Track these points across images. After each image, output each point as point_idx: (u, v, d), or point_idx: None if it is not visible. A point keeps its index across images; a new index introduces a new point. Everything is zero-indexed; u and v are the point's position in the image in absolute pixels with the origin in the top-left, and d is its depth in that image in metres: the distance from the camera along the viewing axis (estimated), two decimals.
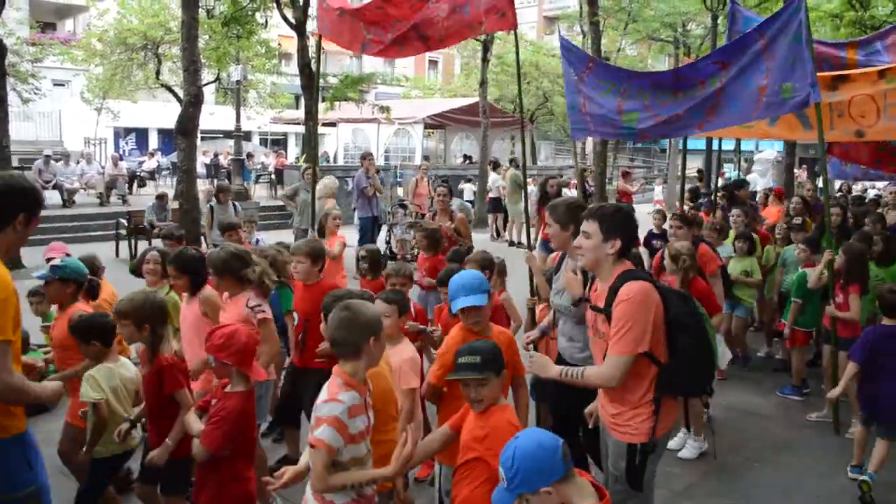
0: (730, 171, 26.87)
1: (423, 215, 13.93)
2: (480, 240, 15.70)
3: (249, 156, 25.26)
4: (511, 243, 17.05)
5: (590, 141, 25.10)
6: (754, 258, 8.19)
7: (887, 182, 12.35)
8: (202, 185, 17.40)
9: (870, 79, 7.13)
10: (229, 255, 4.61)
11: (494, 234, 18.50)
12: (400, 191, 20.36)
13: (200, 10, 16.50)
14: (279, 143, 37.00)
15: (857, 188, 17.19)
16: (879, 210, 10.40)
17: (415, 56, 7.74)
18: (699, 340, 3.40)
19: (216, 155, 28.00)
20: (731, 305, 7.94)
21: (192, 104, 12.10)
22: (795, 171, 22.18)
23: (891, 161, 10.52)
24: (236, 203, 11.96)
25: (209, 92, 27.35)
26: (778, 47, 6.22)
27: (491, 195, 18.87)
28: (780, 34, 6.22)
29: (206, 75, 23.93)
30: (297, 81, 17.66)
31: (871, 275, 7.26)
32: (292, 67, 19.60)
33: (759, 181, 23.05)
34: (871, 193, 15.55)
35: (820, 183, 19.74)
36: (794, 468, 5.78)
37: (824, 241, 7.71)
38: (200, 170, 25.57)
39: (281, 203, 16.48)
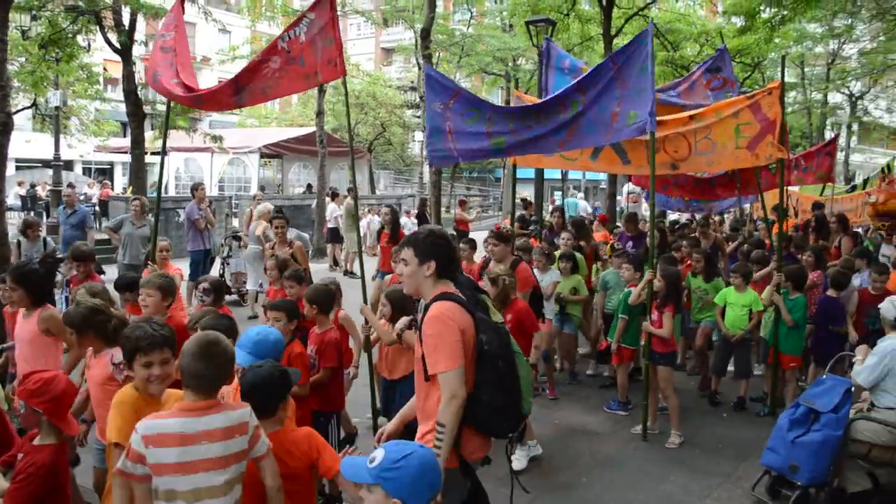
0: (559, 199, 28.14)
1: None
2: (319, 269, 15.52)
3: (71, 186, 23.72)
4: (346, 272, 16.97)
5: (426, 170, 25.54)
6: (580, 276, 8.63)
7: (704, 211, 13.66)
8: (16, 219, 16.11)
9: (682, 121, 7.89)
10: (88, 310, 4.32)
11: (332, 264, 18.36)
12: (235, 222, 19.80)
13: (14, 30, 15.41)
14: (105, 173, 35.04)
15: (673, 216, 18.50)
16: (693, 234, 11.31)
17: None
18: (507, 377, 3.36)
19: (33, 186, 26.09)
20: (561, 321, 8.31)
21: (0, 131, 11.19)
22: (619, 198, 23.60)
23: (708, 190, 11.71)
24: (48, 238, 11.12)
25: (25, 118, 25.46)
26: (628, 76, 6.70)
27: (329, 225, 18.74)
28: (629, 64, 6.70)
29: (22, 100, 22.33)
30: (124, 108, 16.81)
31: (696, 287, 8.29)
32: (119, 93, 18.64)
33: (584, 205, 24.48)
34: (683, 219, 16.78)
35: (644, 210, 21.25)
36: (620, 481, 6.07)
37: (647, 262, 8.31)
38: (14, 202, 23.79)
39: (105, 236, 15.52)
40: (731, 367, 8.19)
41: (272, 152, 28.14)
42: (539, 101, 7.33)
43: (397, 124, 36.55)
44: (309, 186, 28.95)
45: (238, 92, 6.82)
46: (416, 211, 19.17)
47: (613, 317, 7.91)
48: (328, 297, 5.54)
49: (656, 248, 8.56)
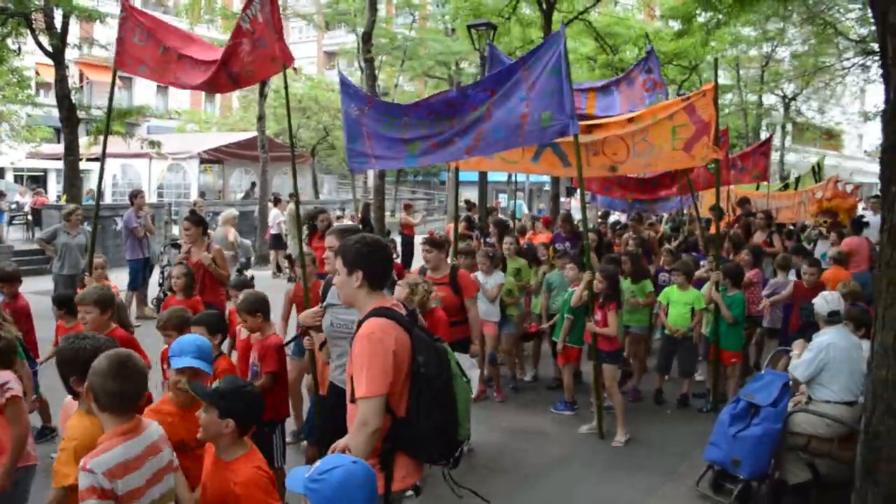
0: (504, 201, 28.40)
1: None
2: (263, 276, 15.32)
3: (1, 194, 22.96)
4: (290, 279, 16.79)
5: (370, 173, 25.48)
6: (511, 278, 8.64)
7: (647, 212, 14.00)
8: None
9: (620, 124, 8.02)
10: None
11: (276, 271, 18.15)
12: (175, 229, 19.42)
13: None
14: (38, 181, 33.98)
15: (614, 217, 18.77)
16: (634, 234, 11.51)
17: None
18: (442, 401, 3.22)
19: None
20: (500, 323, 8.36)
21: None
22: (563, 199, 23.92)
23: (653, 190, 11.97)
24: None
25: None
26: (538, 78, 6.66)
27: (272, 231, 18.52)
28: (539, 65, 6.67)
29: None
30: (56, 113, 16.35)
31: (625, 290, 8.15)
32: (52, 97, 18.09)
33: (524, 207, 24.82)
34: (622, 220, 17.11)
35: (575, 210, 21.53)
36: (568, 481, 6.13)
37: (585, 262, 8.43)
38: None
39: (38, 247, 15.08)
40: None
41: (213, 158, 27.68)
42: (451, 93, 7.20)
43: (340, 128, 36.30)
44: (253, 185, 28.49)
45: (231, 77, 6.71)
46: (359, 216, 19.07)
47: (559, 317, 8.00)
48: (265, 304, 5.45)
49: (593, 250, 8.72)
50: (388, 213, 27.99)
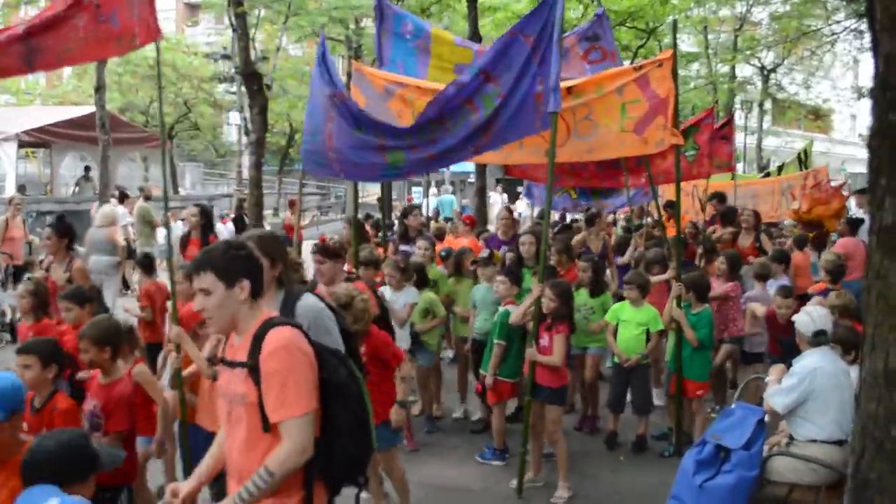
0: (419, 196, 28.46)
1: (17, 267, 12.89)
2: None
3: None
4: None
5: (245, 159, 25.17)
6: (431, 294, 8.72)
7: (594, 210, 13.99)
8: None
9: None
10: None
11: (122, 288, 17.68)
12: None
13: None
14: None
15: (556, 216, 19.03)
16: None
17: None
18: (358, 412, 3.54)
19: None
20: (412, 352, 8.35)
21: None
22: (491, 193, 24.14)
23: (615, 175, 11.94)
24: None
25: None
26: (545, 49, 6.80)
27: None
28: (545, 34, 6.81)
29: None
30: None
31: (579, 304, 8.34)
32: None
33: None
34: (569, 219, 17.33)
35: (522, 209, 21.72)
36: None
37: (526, 273, 8.48)
38: None
39: None
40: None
41: (36, 140, 26.84)
42: (437, 96, 7.20)
43: (206, 103, 35.86)
44: (87, 171, 27.59)
45: (28, 53, 6.46)
46: (233, 214, 18.84)
47: (486, 343, 8.04)
48: (120, 337, 5.33)
49: (533, 258, 8.80)
50: (268, 212, 27.72)
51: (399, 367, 6.17)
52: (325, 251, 6.86)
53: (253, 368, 3.32)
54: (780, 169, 19.30)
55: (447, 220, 17.39)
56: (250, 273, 3.48)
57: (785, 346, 7.65)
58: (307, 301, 4.31)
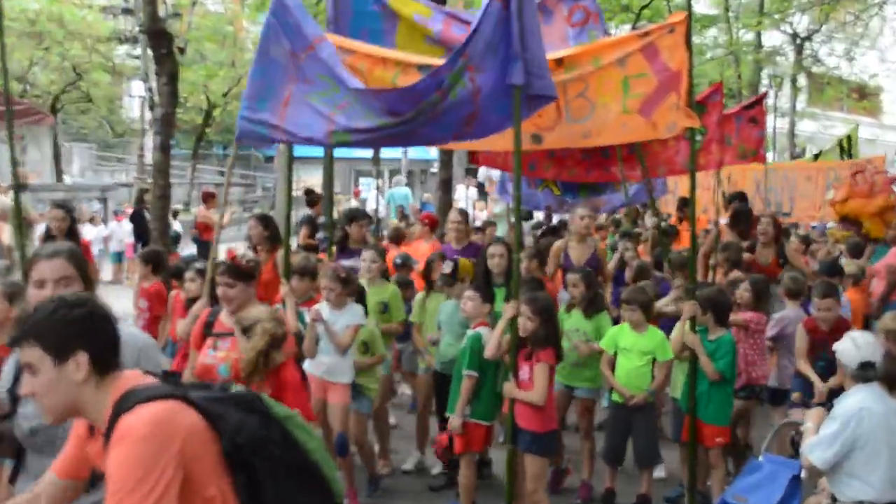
0: (367, 189, 28.38)
1: None
2: None
3: None
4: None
5: (148, 141, 24.95)
6: (374, 328, 8.53)
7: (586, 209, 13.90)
8: None
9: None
10: None
11: None
12: None
13: None
14: None
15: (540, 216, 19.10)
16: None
17: None
18: (307, 475, 3.36)
19: None
20: (355, 388, 8.22)
21: None
22: (458, 186, 24.11)
23: (604, 165, 11.86)
24: None
25: None
26: (528, 22, 6.74)
27: None
28: (527, 4, 6.74)
29: None
30: None
31: (569, 328, 8.37)
32: None
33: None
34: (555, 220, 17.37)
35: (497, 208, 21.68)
36: None
37: (497, 292, 8.41)
38: None
39: None
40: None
41: None
42: (408, 89, 7.09)
43: (101, 69, 35.49)
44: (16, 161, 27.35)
45: None
46: (130, 209, 18.68)
47: (452, 378, 7.95)
48: None
49: (503, 270, 8.74)
50: (178, 206, 27.49)
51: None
52: (235, 272, 6.65)
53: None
54: (816, 158, 19.16)
55: (402, 218, 17.35)
56: (88, 340, 3.20)
57: (825, 362, 7.68)
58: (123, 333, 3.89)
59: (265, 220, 10.45)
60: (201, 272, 8.52)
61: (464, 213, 11.63)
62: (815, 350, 8.19)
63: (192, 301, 8.40)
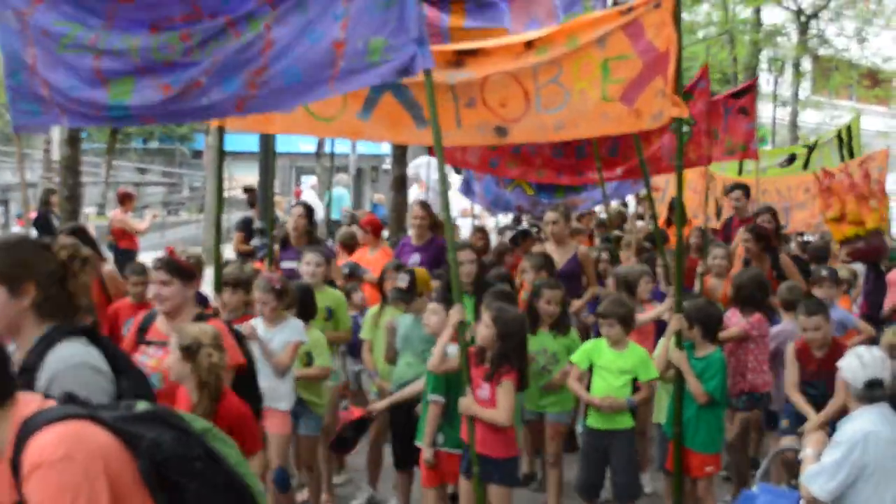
0: (308, 189, 28.33)
1: None
2: None
3: None
4: None
5: (55, 135, 24.82)
6: (316, 332, 8.57)
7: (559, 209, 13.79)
8: None
9: (513, 51, 8.06)
10: None
11: None
12: None
13: None
14: None
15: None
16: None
17: None
18: (228, 494, 3.41)
19: None
20: (295, 415, 8.27)
21: None
22: (415, 185, 24.16)
23: (578, 168, 11.91)
24: None
25: None
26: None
27: None
28: None
29: None
30: None
31: (537, 349, 8.41)
32: None
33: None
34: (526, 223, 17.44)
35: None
36: None
37: (467, 301, 8.43)
38: None
39: None
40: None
41: None
42: None
43: None
44: None
45: None
46: (34, 213, 18.55)
47: (413, 403, 8.05)
48: None
49: (472, 285, 8.82)
50: (90, 210, 27.31)
51: (252, 455, 5.96)
52: (172, 268, 6.64)
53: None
54: (810, 149, 18.98)
55: (351, 222, 17.39)
56: None
57: (812, 398, 7.84)
58: (63, 352, 3.94)
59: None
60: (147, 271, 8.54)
61: (426, 207, 11.70)
62: (807, 377, 8.22)
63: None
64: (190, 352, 5.79)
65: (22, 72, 6.94)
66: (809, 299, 8.78)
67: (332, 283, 9.94)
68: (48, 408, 3.18)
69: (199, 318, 6.66)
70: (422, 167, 23.60)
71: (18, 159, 8.58)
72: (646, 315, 9.20)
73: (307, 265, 9.34)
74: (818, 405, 7.66)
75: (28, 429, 3.08)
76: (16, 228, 20.60)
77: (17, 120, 7.22)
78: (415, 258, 10.49)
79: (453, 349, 7.35)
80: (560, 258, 10.90)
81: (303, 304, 8.55)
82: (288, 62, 6.78)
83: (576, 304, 10.70)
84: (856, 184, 12.37)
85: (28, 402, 3.22)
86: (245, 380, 6.73)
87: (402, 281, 8.86)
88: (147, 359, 6.43)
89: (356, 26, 6.65)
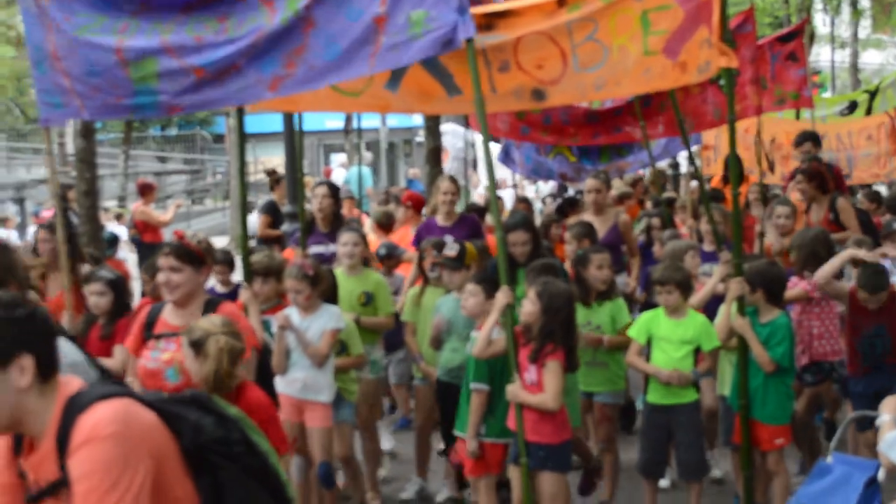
0: (338, 168, 28.37)
1: None
2: None
3: None
4: None
5: (69, 128, 24.92)
6: (346, 318, 8.52)
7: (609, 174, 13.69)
8: None
9: (545, 10, 8.03)
10: None
11: None
12: None
13: None
14: None
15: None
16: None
17: None
18: (262, 482, 3.54)
19: None
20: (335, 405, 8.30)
21: None
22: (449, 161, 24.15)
23: (615, 124, 11.83)
24: None
25: None
26: None
27: None
28: None
29: None
30: None
31: (582, 322, 8.33)
32: None
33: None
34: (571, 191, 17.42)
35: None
36: None
37: (521, 275, 8.46)
38: None
39: None
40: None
41: None
42: None
43: (4, 40, 35.47)
44: None
45: None
46: (48, 211, 18.68)
47: (460, 389, 8.03)
48: None
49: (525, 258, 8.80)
50: (111, 203, 27.47)
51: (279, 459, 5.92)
52: (182, 254, 6.62)
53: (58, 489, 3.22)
54: (872, 94, 18.70)
55: (386, 201, 17.34)
56: (30, 342, 3.28)
57: (869, 342, 7.84)
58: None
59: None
60: (112, 283, 8.39)
61: (455, 183, 11.63)
62: (859, 330, 8.30)
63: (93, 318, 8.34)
64: (199, 345, 5.81)
65: (45, 62, 7.02)
66: (867, 270, 8.57)
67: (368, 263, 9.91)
68: (93, 386, 3.34)
69: (210, 304, 6.69)
70: (447, 135, 23.36)
71: (48, 152, 8.60)
72: (699, 294, 8.99)
73: (344, 246, 9.30)
74: (872, 355, 7.66)
75: (75, 406, 3.21)
76: (33, 228, 20.69)
77: (44, 113, 7.31)
78: (446, 238, 10.39)
79: (498, 333, 7.34)
80: (600, 228, 10.91)
81: (327, 291, 8.56)
82: (327, 39, 6.87)
83: (631, 283, 10.70)
84: None
85: (69, 381, 3.36)
86: (259, 373, 6.77)
87: (452, 249, 8.87)
88: (159, 353, 6.46)
89: (397, 1, 6.72)
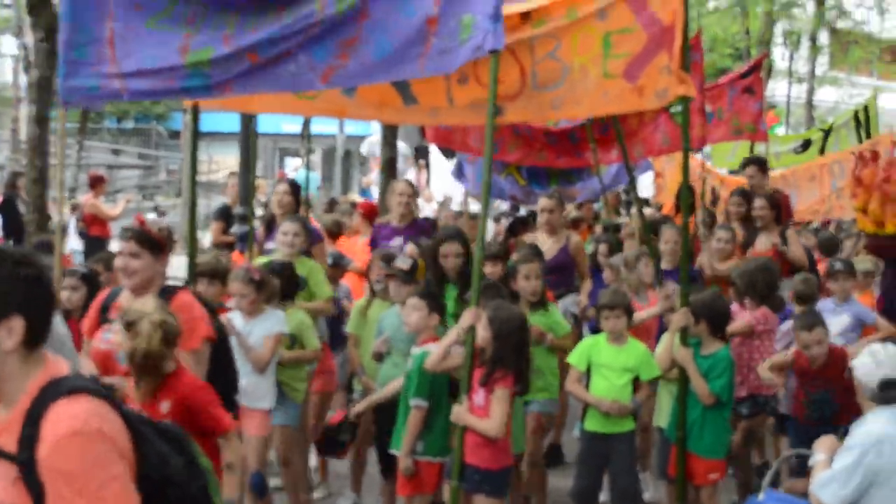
0: (292, 173, 28.32)
1: None
2: None
3: None
4: None
5: (22, 115, 24.74)
6: (300, 313, 8.63)
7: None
8: None
9: (509, 24, 7.96)
10: None
11: None
12: None
13: None
14: None
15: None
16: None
17: None
18: None
19: None
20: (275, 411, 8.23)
21: None
22: (409, 170, 24.16)
23: (574, 150, 11.85)
24: None
25: None
26: None
27: None
28: None
29: None
30: None
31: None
32: None
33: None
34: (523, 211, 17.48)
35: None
36: None
37: (450, 291, 8.41)
38: None
39: None
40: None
41: None
42: None
43: None
44: None
45: None
46: (1, 195, 18.51)
47: (398, 405, 7.92)
48: None
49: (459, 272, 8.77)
50: (61, 194, 27.16)
51: (224, 437, 5.82)
52: (142, 239, 6.50)
53: (27, 465, 3.08)
54: (826, 133, 18.90)
55: (330, 208, 17.33)
56: (26, 305, 3.18)
57: (817, 406, 7.84)
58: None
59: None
60: (86, 278, 8.43)
61: (411, 185, 11.65)
62: (808, 386, 8.23)
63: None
64: (131, 326, 5.68)
65: (89, 45, 6.91)
66: (804, 310, 8.79)
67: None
68: (81, 377, 3.31)
69: (165, 291, 6.55)
70: (375, 145, 23.66)
71: (62, 135, 8.48)
72: (642, 313, 9.09)
73: (284, 235, 9.37)
74: (821, 416, 7.70)
75: (56, 389, 3.14)
76: None
77: (66, 95, 7.17)
78: (397, 242, 10.35)
79: (434, 348, 7.36)
80: (551, 248, 10.95)
81: (285, 282, 8.61)
82: (380, 34, 6.86)
83: (583, 300, 10.70)
84: (884, 184, 12.32)
85: (58, 362, 3.28)
86: (218, 367, 6.61)
87: (404, 262, 8.79)
88: (111, 335, 6.32)
89: (450, 2, 6.73)
